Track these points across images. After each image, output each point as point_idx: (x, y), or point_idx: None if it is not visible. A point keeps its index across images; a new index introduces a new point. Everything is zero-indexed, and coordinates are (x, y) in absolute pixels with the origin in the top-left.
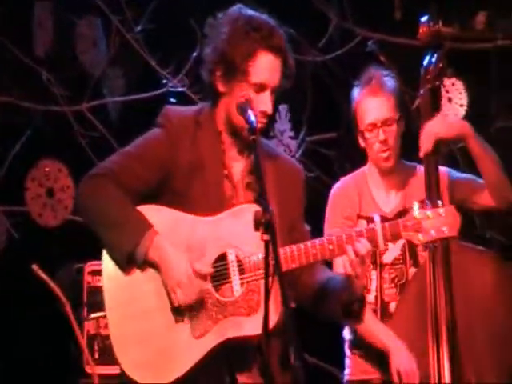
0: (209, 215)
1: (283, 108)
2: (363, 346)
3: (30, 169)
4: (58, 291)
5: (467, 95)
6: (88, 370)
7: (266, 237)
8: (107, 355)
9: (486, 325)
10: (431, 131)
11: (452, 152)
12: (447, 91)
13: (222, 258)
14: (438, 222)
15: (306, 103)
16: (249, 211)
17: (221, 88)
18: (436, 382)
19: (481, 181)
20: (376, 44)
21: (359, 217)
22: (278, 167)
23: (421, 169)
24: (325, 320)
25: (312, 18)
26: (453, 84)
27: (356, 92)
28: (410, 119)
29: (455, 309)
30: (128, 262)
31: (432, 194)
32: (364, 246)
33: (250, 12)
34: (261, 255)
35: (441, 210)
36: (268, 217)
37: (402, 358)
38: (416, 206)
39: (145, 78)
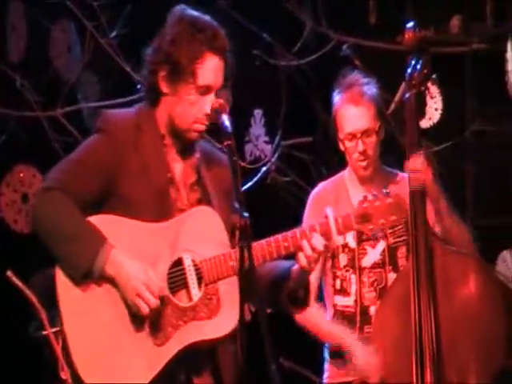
0: (156, 220)
1: (258, 113)
2: (344, 353)
3: (4, 174)
4: (32, 298)
5: (442, 99)
6: (63, 376)
7: (242, 242)
8: None
9: (469, 327)
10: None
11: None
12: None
13: (178, 263)
14: (386, 210)
15: (281, 108)
16: (200, 214)
17: (164, 89)
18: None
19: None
20: (351, 48)
21: None
22: (215, 168)
23: (403, 176)
24: (271, 309)
25: (286, 22)
26: (428, 88)
27: (336, 98)
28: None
29: (438, 311)
30: (84, 277)
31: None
32: (319, 241)
33: (194, 13)
34: (217, 258)
35: (388, 199)
36: (243, 222)
37: (362, 357)
38: (362, 196)
39: (120, 83)
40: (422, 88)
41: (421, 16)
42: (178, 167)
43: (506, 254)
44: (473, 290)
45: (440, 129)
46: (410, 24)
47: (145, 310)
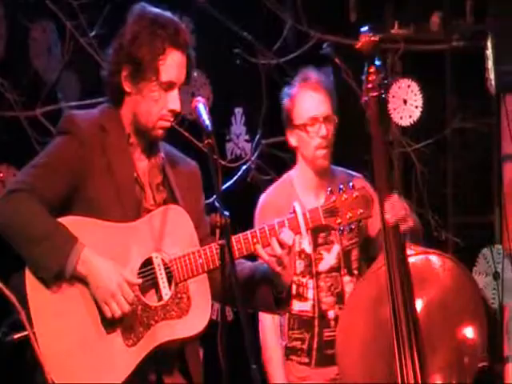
0: (123, 220)
1: (238, 111)
2: (300, 351)
3: None
4: (13, 299)
5: (422, 96)
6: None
7: (222, 241)
8: None
9: (446, 326)
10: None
11: (407, 154)
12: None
13: (148, 262)
14: (353, 204)
15: (261, 106)
16: (169, 213)
17: (127, 88)
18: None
19: None
20: (331, 46)
21: None
22: (177, 167)
23: (351, 175)
24: (254, 310)
25: (266, 20)
26: (408, 86)
27: (291, 88)
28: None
29: (415, 311)
30: (55, 277)
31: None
32: (288, 235)
33: (154, 10)
34: (187, 257)
35: (355, 193)
36: (224, 221)
37: None
38: (329, 190)
39: (99, 82)
40: (381, 92)
41: (401, 14)
42: (144, 167)
43: (486, 251)
44: (448, 289)
45: (420, 126)
46: (365, 28)
47: (117, 313)
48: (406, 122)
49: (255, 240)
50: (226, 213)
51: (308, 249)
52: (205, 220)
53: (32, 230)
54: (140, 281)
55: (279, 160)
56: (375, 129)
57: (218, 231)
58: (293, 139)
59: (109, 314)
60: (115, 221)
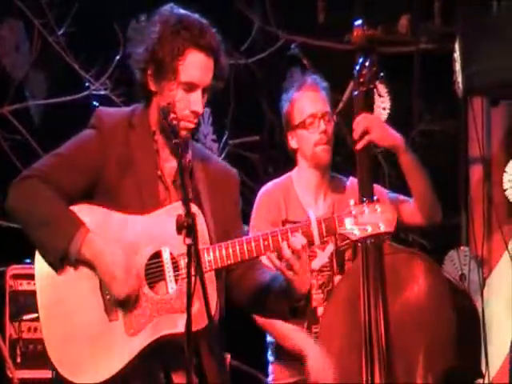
0: (142, 215)
1: (206, 111)
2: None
3: None
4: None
5: (390, 98)
6: (9, 374)
7: (189, 240)
8: (30, 359)
9: (417, 327)
10: (366, 130)
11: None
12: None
13: (157, 255)
14: (374, 217)
15: (228, 106)
16: (181, 209)
17: (152, 87)
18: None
19: (404, 198)
20: (299, 47)
21: (287, 222)
22: (210, 170)
23: (351, 181)
24: (270, 318)
25: (235, 21)
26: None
27: (290, 93)
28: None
29: (387, 311)
30: (61, 261)
31: (365, 189)
32: (299, 240)
33: (182, 11)
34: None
35: (377, 206)
36: (190, 220)
37: (316, 360)
38: (352, 201)
39: (67, 80)
40: (371, 86)
41: (369, 15)
42: (171, 167)
43: (453, 253)
44: (421, 288)
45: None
46: (359, 22)
47: (121, 292)
48: None
49: (266, 243)
50: (193, 211)
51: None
52: (237, 228)
53: (39, 214)
54: (143, 268)
55: (246, 160)
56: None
57: (184, 231)
58: (293, 141)
59: (112, 297)
60: (132, 214)
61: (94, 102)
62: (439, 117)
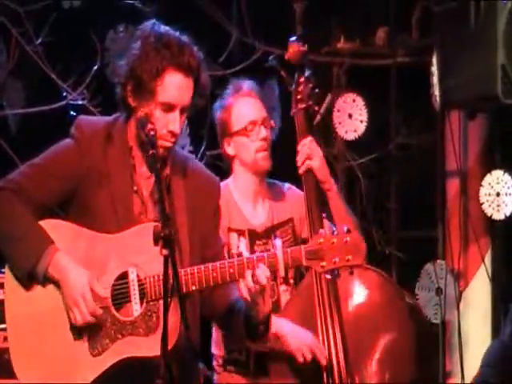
0: (117, 231)
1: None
2: (238, 362)
3: None
4: None
5: (367, 111)
6: None
7: (165, 251)
8: (3, 368)
9: (374, 341)
10: (308, 156)
11: (352, 168)
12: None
13: (124, 276)
14: (342, 249)
15: (205, 117)
16: (151, 230)
17: (132, 103)
18: None
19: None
20: (276, 59)
21: (230, 230)
22: (191, 181)
23: (289, 188)
24: (233, 337)
25: (213, 32)
26: (353, 100)
27: (224, 100)
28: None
29: (343, 326)
30: (29, 278)
31: (314, 216)
32: (263, 272)
33: (163, 28)
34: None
35: (347, 237)
36: (167, 232)
37: (299, 337)
38: (322, 231)
39: (45, 90)
40: (310, 102)
41: (347, 28)
42: (148, 182)
43: (429, 266)
44: (376, 305)
45: (365, 141)
46: (293, 38)
47: (79, 321)
48: (350, 136)
49: (231, 270)
50: (170, 223)
51: (246, 253)
52: (215, 243)
53: (9, 230)
54: (106, 294)
55: (223, 171)
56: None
57: (161, 242)
58: (230, 148)
59: (72, 321)
60: (108, 230)
61: (72, 112)
62: (416, 130)
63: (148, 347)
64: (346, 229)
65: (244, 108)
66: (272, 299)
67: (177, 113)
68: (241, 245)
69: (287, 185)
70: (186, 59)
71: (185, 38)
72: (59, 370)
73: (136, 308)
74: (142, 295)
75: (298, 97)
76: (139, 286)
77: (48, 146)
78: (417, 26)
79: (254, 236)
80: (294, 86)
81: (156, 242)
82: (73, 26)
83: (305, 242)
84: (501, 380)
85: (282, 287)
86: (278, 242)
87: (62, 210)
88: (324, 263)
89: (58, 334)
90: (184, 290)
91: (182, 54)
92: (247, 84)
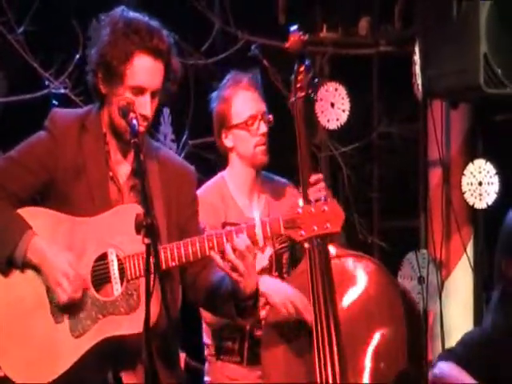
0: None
1: (165, 111)
2: (231, 350)
3: None
4: None
5: (349, 100)
6: None
7: (147, 240)
8: None
9: (367, 331)
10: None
11: (334, 157)
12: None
13: (103, 257)
14: (321, 217)
15: (188, 106)
16: (129, 210)
17: (103, 90)
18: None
19: None
20: (259, 48)
21: (226, 224)
22: (165, 169)
23: (285, 183)
24: (221, 318)
25: (195, 21)
26: (335, 89)
27: (223, 91)
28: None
29: (337, 314)
30: (7, 265)
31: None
32: (242, 241)
33: (132, 14)
34: (141, 255)
35: (324, 206)
36: (149, 220)
37: (282, 292)
38: (300, 202)
39: (27, 79)
40: (310, 91)
41: (329, 17)
42: (123, 169)
43: (411, 255)
44: (370, 293)
45: (347, 130)
46: (294, 27)
47: (63, 298)
48: (333, 125)
49: (211, 244)
50: (152, 212)
51: None
52: (193, 228)
53: None
54: (86, 275)
55: (205, 161)
56: (301, 129)
57: (143, 231)
58: (228, 140)
59: (56, 301)
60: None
61: (54, 101)
62: (399, 119)
63: (129, 325)
64: (323, 198)
65: (245, 101)
66: None
67: (147, 96)
68: None
69: (284, 181)
70: (155, 43)
71: (154, 23)
72: (42, 354)
73: (116, 288)
74: (122, 275)
75: (298, 85)
76: (119, 265)
77: (29, 135)
78: (399, 15)
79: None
80: (293, 75)
81: (138, 231)
82: (55, 15)
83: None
84: (470, 359)
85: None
86: (256, 213)
87: (41, 200)
88: (303, 232)
89: (39, 318)
90: (163, 267)
91: (151, 38)
92: (248, 77)
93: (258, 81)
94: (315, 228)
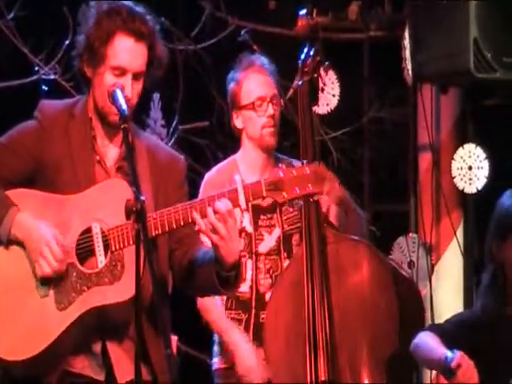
0: None
1: (155, 96)
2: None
3: None
4: None
5: (340, 85)
6: None
7: (137, 225)
8: None
9: (361, 314)
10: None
11: (324, 142)
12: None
13: (88, 231)
14: (302, 179)
15: (178, 92)
16: (113, 185)
17: (88, 73)
18: (312, 376)
19: None
20: (249, 33)
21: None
22: (154, 156)
23: (291, 162)
24: (204, 293)
25: (185, 6)
26: (326, 73)
27: (237, 73)
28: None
29: (331, 298)
30: None
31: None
32: (224, 204)
33: None
34: (124, 227)
35: (306, 168)
36: (139, 206)
37: (245, 358)
38: (282, 165)
39: (17, 65)
40: (315, 75)
41: (319, 2)
42: (111, 152)
43: (401, 239)
44: (365, 277)
45: (337, 115)
46: (303, 11)
47: (46, 270)
48: (323, 110)
49: (194, 211)
50: (142, 197)
51: (249, 227)
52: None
53: None
54: (71, 249)
55: (196, 146)
56: (306, 112)
57: (133, 216)
58: (238, 121)
59: (39, 273)
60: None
61: (43, 87)
62: (389, 104)
63: (114, 294)
64: (305, 162)
65: (253, 83)
66: (275, 273)
67: (128, 77)
68: (244, 220)
69: (296, 162)
70: (137, 25)
71: (139, 7)
72: (28, 329)
73: (101, 259)
74: (106, 247)
75: (306, 69)
76: (103, 238)
77: (20, 121)
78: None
79: (258, 211)
80: (302, 59)
81: (128, 217)
82: (45, 1)
83: None
84: (455, 338)
85: (286, 262)
86: (237, 177)
87: (29, 185)
88: (284, 194)
89: (25, 294)
90: (149, 236)
91: (133, 19)
92: (260, 60)
93: (271, 65)
94: (297, 190)
